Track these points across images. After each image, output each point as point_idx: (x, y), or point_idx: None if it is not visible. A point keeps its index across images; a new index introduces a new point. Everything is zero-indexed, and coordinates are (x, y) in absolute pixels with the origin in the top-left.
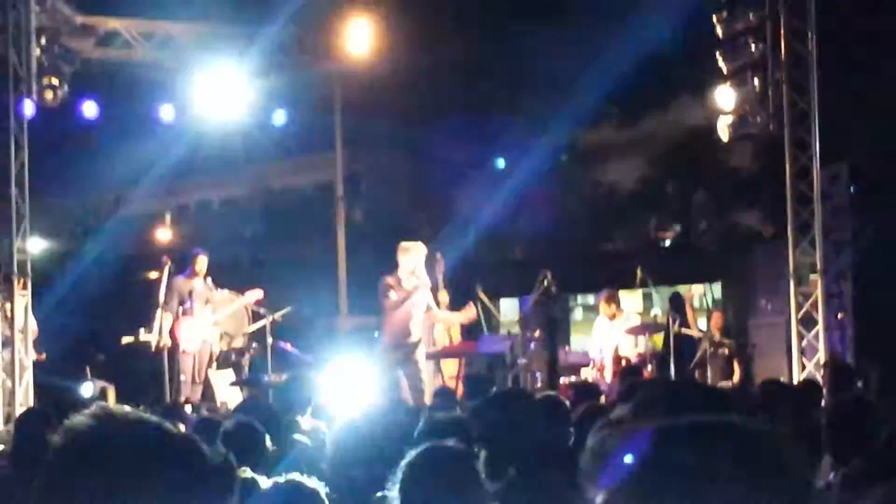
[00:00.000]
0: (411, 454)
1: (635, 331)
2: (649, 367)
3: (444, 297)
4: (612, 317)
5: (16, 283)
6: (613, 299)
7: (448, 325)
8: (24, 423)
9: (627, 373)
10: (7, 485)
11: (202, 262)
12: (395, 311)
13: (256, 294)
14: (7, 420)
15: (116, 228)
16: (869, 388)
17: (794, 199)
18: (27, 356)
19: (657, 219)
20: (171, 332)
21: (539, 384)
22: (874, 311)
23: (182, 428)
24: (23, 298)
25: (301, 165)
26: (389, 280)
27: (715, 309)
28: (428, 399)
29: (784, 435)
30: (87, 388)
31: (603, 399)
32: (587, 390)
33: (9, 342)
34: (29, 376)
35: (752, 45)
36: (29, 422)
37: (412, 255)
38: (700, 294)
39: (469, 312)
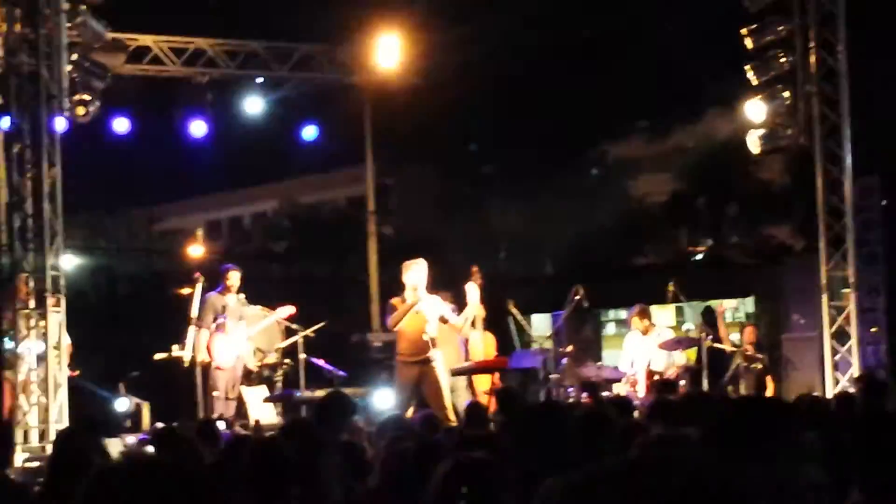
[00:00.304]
0: (441, 467)
1: (668, 345)
2: (682, 382)
3: (480, 311)
4: (645, 331)
5: (49, 299)
6: (646, 314)
7: (458, 329)
8: (63, 443)
9: (662, 388)
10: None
11: (234, 278)
12: (404, 328)
13: (288, 310)
14: (41, 437)
15: (148, 245)
16: None
17: (826, 213)
18: (61, 373)
19: (688, 233)
20: (208, 349)
21: (572, 399)
22: None
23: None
24: (56, 315)
25: (332, 180)
26: (393, 301)
27: (747, 323)
28: (454, 415)
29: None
30: (122, 404)
31: (637, 415)
32: (621, 406)
33: (42, 359)
34: (63, 393)
35: (782, 58)
36: (67, 441)
37: (412, 273)
38: (732, 308)
39: (471, 300)
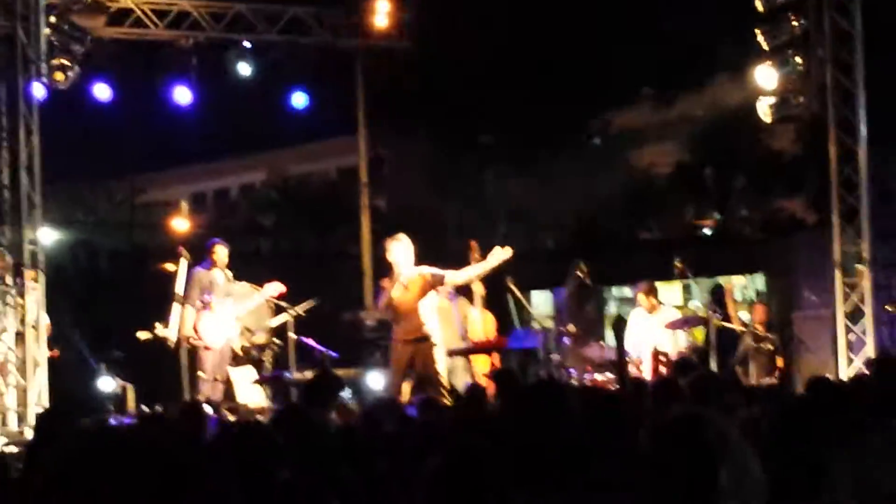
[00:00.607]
0: (434, 460)
1: (675, 325)
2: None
3: (479, 288)
4: (651, 309)
5: (27, 275)
6: (652, 291)
7: (447, 282)
8: (43, 424)
9: (680, 369)
10: (18, 489)
11: (221, 253)
12: (396, 307)
13: (278, 287)
14: (20, 421)
15: (131, 218)
16: None
17: (839, 185)
18: (40, 353)
19: (695, 206)
20: (194, 328)
21: (573, 381)
22: None
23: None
24: (35, 292)
25: (323, 150)
26: (383, 282)
27: (757, 301)
28: (451, 396)
29: None
30: (105, 385)
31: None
32: (634, 387)
33: (21, 338)
34: (42, 374)
35: (794, 21)
36: (48, 422)
37: (393, 251)
38: (742, 286)
39: (493, 257)
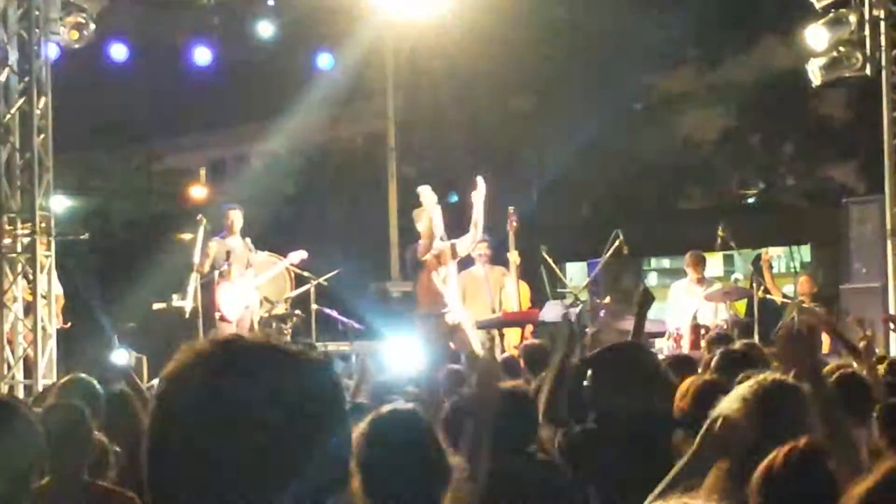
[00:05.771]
0: (363, 424)
1: (715, 297)
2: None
3: (514, 257)
4: (699, 281)
5: (38, 243)
6: (701, 262)
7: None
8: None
9: (716, 340)
10: None
11: (236, 218)
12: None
13: (300, 254)
14: (28, 394)
15: (147, 185)
16: None
17: (893, 151)
18: (51, 324)
19: (740, 174)
20: (212, 298)
21: None
22: None
23: None
24: (46, 260)
25: (348, 115)
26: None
27: (803, 272)
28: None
29: None
30: (120, 357)
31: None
32: (680, 363)
33: (31, 308)
34: (52, 345)
35: None
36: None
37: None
38: (778, 255)
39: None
